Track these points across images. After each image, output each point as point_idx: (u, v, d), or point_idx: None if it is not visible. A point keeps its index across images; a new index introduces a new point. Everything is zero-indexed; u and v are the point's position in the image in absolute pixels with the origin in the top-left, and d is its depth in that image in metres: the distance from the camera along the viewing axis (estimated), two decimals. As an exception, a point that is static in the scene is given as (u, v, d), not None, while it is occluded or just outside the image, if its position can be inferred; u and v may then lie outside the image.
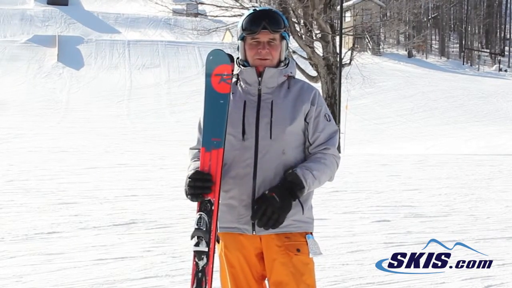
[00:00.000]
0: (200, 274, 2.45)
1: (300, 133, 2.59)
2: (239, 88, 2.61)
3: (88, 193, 7.99)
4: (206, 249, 2.44)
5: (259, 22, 2.52)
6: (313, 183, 2.49)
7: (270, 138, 2.52)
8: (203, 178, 2.48)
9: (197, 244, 2.45)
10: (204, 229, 2.45)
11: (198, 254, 2.46)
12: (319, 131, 2.58)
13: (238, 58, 2.63)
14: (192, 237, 2.45)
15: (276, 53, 2.57)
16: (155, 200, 7.64)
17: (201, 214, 2.46)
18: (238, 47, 2.62)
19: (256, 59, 2.56)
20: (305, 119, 2.58)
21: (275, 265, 2.54)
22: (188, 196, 2.50)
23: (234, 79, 2.62)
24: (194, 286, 2.45)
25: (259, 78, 2.57)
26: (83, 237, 5.72)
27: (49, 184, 8.67)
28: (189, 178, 2.50)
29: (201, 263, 2.45)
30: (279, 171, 2.52)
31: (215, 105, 2.53)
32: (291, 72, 2.63)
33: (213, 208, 2.48)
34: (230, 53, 2.58)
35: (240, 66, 2.60)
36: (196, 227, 2.45)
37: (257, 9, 2.59)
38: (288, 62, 2.63)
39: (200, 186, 2.47)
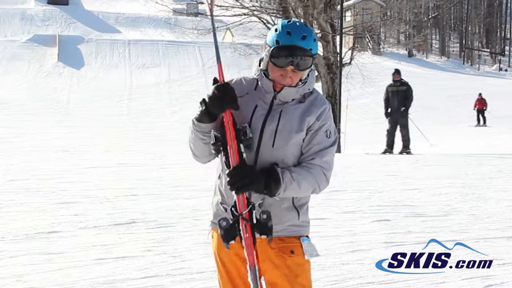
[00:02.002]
0: None
1: (301, 145, 2.56)
2: (257, 90, 2.57)
3: (89, 192, 7.98)
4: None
5: (287, 61, 2.44)
6: (290, 183, 2.43)
7: (272, 147, 2.49)
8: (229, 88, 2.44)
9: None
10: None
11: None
12: (314, 144, 2.53)
13: (261, 59, 2.56)
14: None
15: (297, 78, 2.50)
16: (156, 200, 7.63)
17: (245, 126, 2.46)
18: (263, 57, 2.53)
19: (276, 80, 2.51)
20: (306, 131, 2.54)
21: (269, 267, 2.54)
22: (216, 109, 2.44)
23: (255, 77, 2.58)
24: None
25: (275, 92, 2.52)
26: (84, 236, 5.73)
27: (49, 183, 8.66)
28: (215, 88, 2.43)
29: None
30: None
31: None
32: (308, 89, 2.56)
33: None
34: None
35: (262, 72, 2.54)
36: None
37: (287, 35, 2.45)
38: (308, 76, 2.54)
39: (226, 97, 2.42)
